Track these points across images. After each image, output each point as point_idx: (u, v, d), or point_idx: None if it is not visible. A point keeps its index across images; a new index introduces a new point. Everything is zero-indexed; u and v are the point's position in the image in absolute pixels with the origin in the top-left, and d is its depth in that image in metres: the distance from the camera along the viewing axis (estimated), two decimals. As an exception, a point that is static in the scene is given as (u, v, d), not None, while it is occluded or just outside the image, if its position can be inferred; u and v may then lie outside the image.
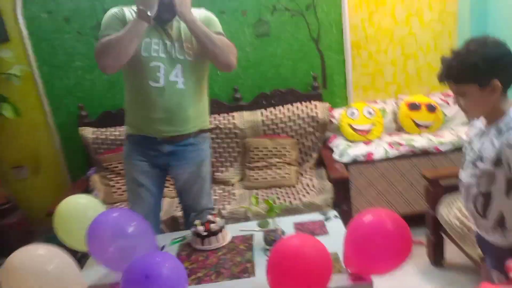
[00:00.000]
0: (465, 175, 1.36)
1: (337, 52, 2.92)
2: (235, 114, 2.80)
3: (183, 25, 1.80)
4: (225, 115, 2.80)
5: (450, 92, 2.78)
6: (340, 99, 3.00)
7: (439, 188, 2.20)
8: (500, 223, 1.27)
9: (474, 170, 1.30)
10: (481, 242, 1.42)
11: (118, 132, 2.75)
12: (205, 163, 2.00)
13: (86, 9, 2.76)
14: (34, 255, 1.45)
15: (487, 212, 1.29)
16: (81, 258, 1.86)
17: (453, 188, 2.17)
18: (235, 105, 2.87)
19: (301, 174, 2.71)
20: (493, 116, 1.27)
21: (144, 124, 1.87)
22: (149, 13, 1.67)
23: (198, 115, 1.92)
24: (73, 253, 1.83)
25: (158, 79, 1.78)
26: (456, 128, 2.76)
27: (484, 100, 1.24)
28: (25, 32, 2.77)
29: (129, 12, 1.79)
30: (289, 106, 2.80)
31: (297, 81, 2.93)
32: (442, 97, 2.89)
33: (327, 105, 2.83)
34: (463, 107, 1.30)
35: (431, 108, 2.76)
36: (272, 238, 1.73)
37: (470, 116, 1.34)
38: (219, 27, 1.88)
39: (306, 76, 2.93)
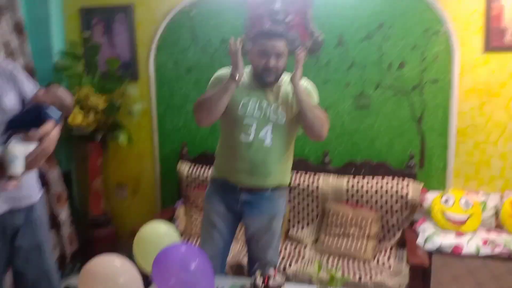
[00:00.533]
0: None
1: (440, 136, 2.81)
2: (321, 176, 2.81)
3: (282, 90, 1.95)
4: (311, 175, 2.82)
5: None
6: (437, 183, 2.82)
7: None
8: None
9: None
10: None
11: (210, 172, 2.93)
12: (277, 218, 2.03)
13: (206, 64, 3.11)
14: (110, 265, 1.57)
15: None
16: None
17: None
18: (322, 168, 2.89)
19: (379, 252, 2.56)
20: None
21: (228, 172, 1.99)
22: (237, 76, 1.85)
23: (280, 171, 1.99)
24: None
25: (249, 135, 1.91)
26: None
27: None
28: (152, 75, 3.21)
29: None
30: (378, 179, 2.72)
31: (391, 157, 2.86)
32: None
33: (420, 185, 2.69)
34: None
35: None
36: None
37: None
38: (316, 98, 2.01)
39: (402, 153, 2.84)
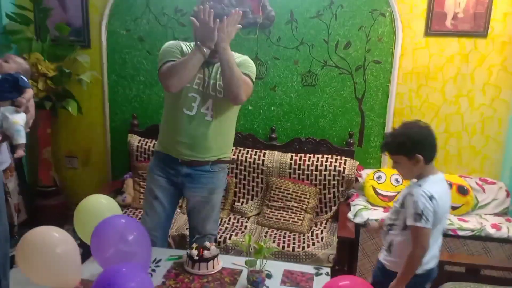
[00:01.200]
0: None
1: (378, 115, 2.98)
2: (267, 152, 2.94)
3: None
4: (258, 151, 2.95)
5: (488, 179, 2.72)
6: (374, 160, 3.03)
7: (443, 272, 2.14)
8: (390, 248, 1.76)
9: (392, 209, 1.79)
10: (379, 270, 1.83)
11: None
12: (217, 191, 2.15)
13: (159, 33, 3.10)
14: (48, 235, 1.66)
15: (386, 237, 1.79)
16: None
17: (458, 276, 2.12)
18: (269, 144, 3.02)
19: (315, 224, 2.76)
20: (419, 178, 1.69)
21: (170, 145, 2.07)
22: (205, 50, 1.90)
23: (219, 146, 2.08)
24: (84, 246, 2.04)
25: (191, 108, 1.99)
26: (486, 216, 2.66)
27: (411, 168, 1.67)
28: (104, 43, 3.18)
29: (186, 46, 2.03)
30: (319, 155, 2.88)
31: (333, 134, 3.02)
32: (479, 182, 2.81)
33: (356, 163, 2.88)
34: (398, 171, 1.75)
35: (463, 191, 2.69)
36: (254, 279, 1.81)
37: (404, 178, 1.78)
38: (248, 70, 2.03)
39: (343, 131, 3.01)
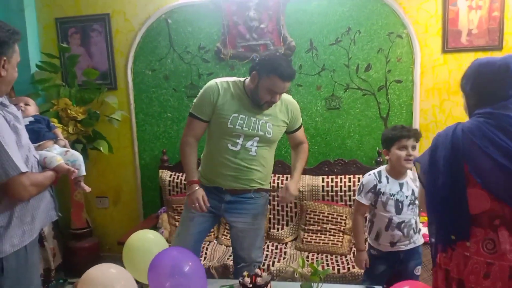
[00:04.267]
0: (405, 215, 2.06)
1: (404, 132, 3.03)
2: (297, 177, 2.97)
3: (277, 108, 2.08)
4: (288, 176, 2.97)
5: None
6: (403, 177, 3.06)
7: None
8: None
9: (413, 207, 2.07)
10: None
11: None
12: (260, 217, 2.19)
13: (183, 71, 3.21)
14: (107, 272, 1.70)
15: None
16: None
17: None
18: (299, 169, 3.05)
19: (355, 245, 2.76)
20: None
21: (214, 176, 2.13)
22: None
23: (262, 177, 2.15)
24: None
25: (236, 144, 2.05)
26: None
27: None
28: (130, 84, 3.28)
29: (228, 87, 2.06)
30: (350, 176, 2.92)
31: (362, 154, 3.07)
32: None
33: (388, 181, 2.90)
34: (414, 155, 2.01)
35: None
36: (312, 301, 1.82)
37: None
38: (300, 119, 2.21)
39: (371, 150, 3.06)
